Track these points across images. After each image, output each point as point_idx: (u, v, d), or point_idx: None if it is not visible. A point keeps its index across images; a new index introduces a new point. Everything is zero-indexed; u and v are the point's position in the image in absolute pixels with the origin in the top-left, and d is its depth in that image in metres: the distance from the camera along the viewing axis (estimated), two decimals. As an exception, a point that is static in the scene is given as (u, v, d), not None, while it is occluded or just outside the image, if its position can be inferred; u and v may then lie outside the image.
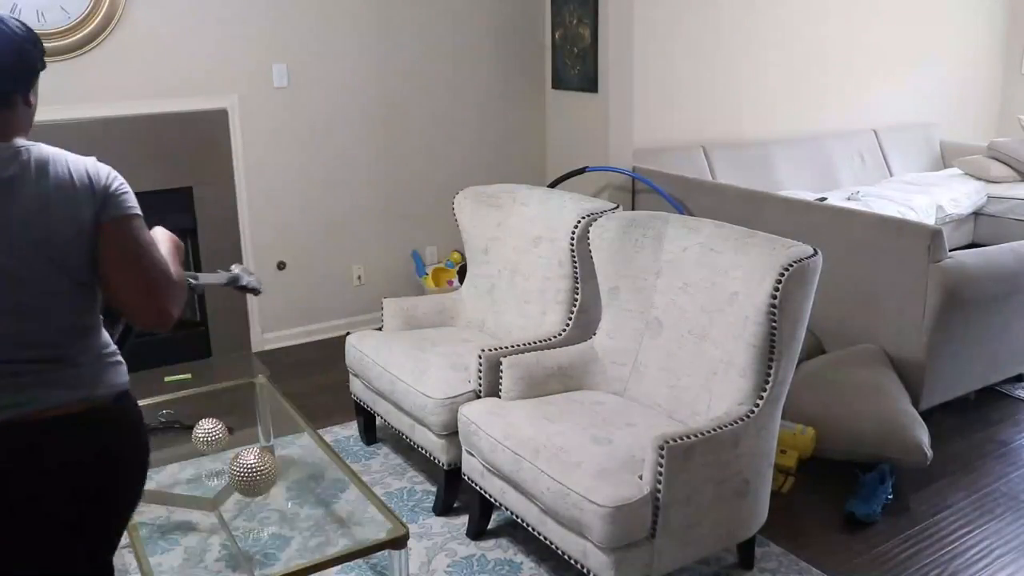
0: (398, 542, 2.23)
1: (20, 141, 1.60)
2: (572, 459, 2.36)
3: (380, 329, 3.49)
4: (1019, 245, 3.67)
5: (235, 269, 2.67)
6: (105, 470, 1.66)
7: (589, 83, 4.76)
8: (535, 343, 3.00)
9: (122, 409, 1.73)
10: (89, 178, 1.61)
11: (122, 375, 1.77)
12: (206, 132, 4.13)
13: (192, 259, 4.19)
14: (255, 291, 2.68)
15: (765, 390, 2.44)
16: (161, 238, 1.83)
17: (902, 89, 6.67)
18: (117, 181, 1.67)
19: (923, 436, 3.12)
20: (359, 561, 2.64)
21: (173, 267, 1.75)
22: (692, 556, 2.44)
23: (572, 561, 2.38)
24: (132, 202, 1.67)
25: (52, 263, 1.58)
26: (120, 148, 3.76)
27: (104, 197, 1.62)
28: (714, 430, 2.33)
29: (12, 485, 1.58)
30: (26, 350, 1.59)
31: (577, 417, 2.62)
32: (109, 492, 1.68)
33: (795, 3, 5.88)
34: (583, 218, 3.05)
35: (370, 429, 3.51)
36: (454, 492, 2.98)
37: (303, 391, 3.91)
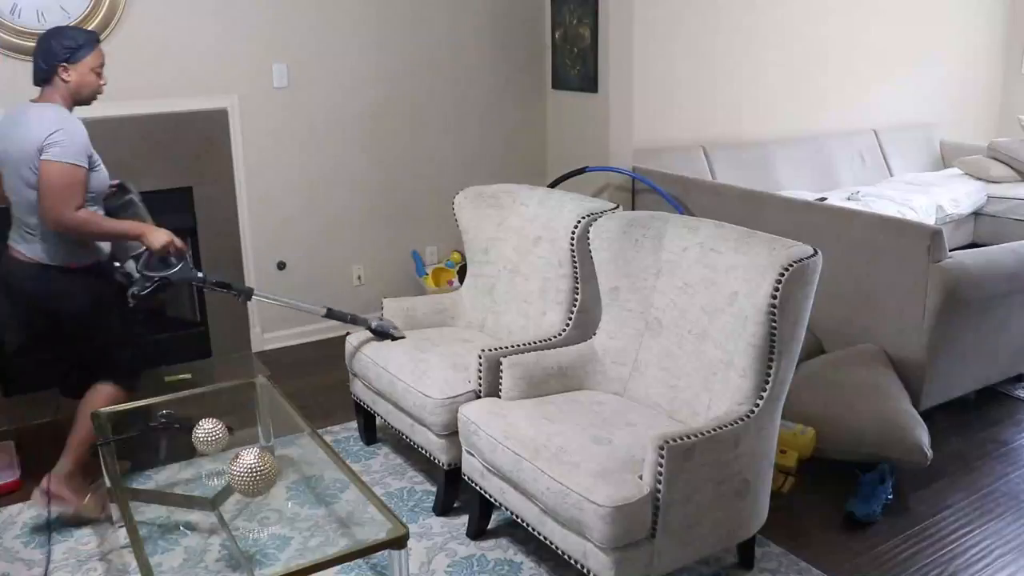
0: (398, 542, 2.23)
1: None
2: (572, 459, 2.36)
3: (380, 329, 3.48)
4: (1019, 245, 3.67)
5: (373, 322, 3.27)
6: (41, 298, 2.80)
7: (589, 83, 4.76)
8: (535, 343, 3.00)
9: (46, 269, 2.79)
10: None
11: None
12: (206, 132, 4.14)
13: (192, 258, 4.19)
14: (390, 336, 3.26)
15: (765, 390, 2.44)
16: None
17: (902, 89, 6.67)
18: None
19: (923, 436, 3.12)
20: (359, 561, 2.65)
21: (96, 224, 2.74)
22: (692, 556, 2.44)
23: (572, 561, 2.38)
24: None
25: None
26: (120, 148, 3.75)
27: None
28: (714, 430, 2.33)
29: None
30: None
31: (577, 417, 2.62)
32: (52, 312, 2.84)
33: (795, 3, 5.88)
34: (583, 218, 3.05)
35: (370, 429, 3.51)
36: (454, 492, 2.98)
37: (303, 391, 3.91)
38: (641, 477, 2.28)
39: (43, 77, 2.73)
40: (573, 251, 3.06)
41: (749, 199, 4.28)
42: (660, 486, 2.24)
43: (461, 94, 4.92)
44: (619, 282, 2.87)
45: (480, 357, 2.86)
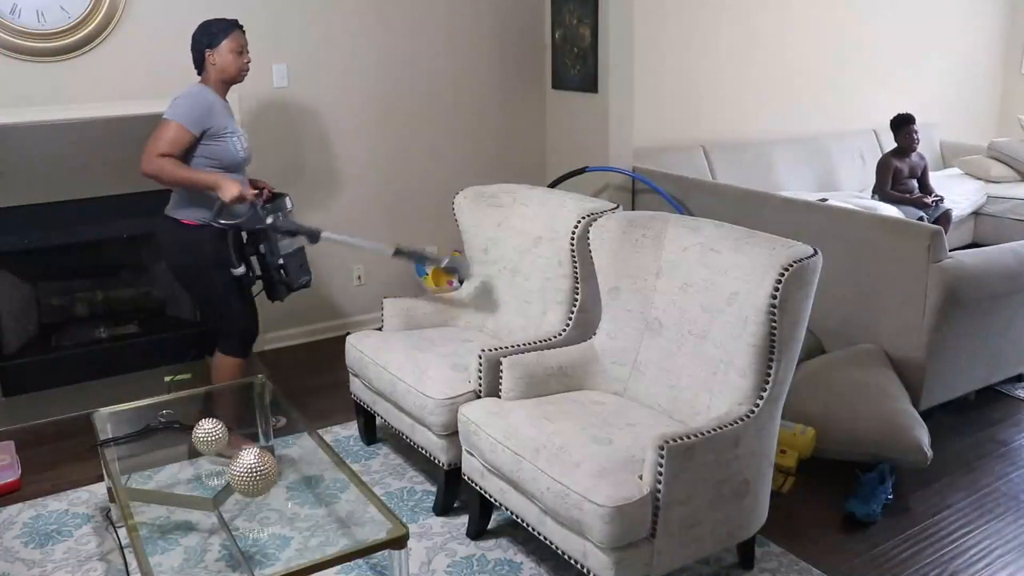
0: (398, 542, 2.23)
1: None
2: (572, 459, 2.36)
3: (380, 329, 3.48)
4: (1019, 245, 3.67)
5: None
6: (162, 247, 3.26)
7: (589, 83, 4.76)
8: (535, 343, 3.00)
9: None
10: None
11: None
12: (206, 132, 4.13)
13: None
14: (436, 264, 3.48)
15: (765, 390, 2.44)
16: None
17: (902, 89, 6.67)
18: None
19: (923, 436, 3.12)
20: (359, 561, 2.65)
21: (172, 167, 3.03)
22: (692, 556, 2.44)
23: (572, 561, 2.38)
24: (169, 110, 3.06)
25: None
26: (120, 148, 3.76)
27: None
28: (714, 430, 2.33)
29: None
30: None
31: (577, 417, 2.62)
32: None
33: (795, 3, 5.88)
34: (583, 218, 3.05)
35: (370, 429, 3.51)
36: (454, 492, 2.98)
37: (303, 391, 3.91)
38: (641, 477, 2.28)
39: (198, 64, 3.18)
40: (573, 251, 3.06)
41: (749, 199, 4.28)
42: (660, 486, 2.24)
43: (461, 94, 4.92)
44: (619, 282, 2.87)
45: (480, 357, 2.86)
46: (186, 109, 3.04)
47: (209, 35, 3.13)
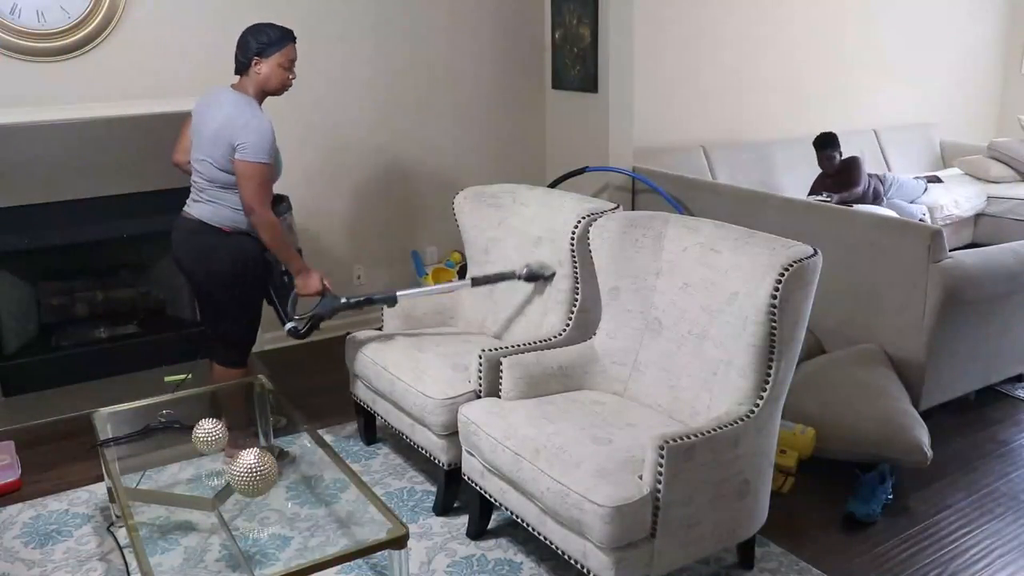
0: (398, 542, 2.23)
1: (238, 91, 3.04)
2: (572, 459, 2.36)
3: (380, 329, 3.48)
4: (1019, 245, 3.67)
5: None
6: (194, 252, 3.08)
7: (589, 83, 4.76)
8: (535, 343, 3.00)
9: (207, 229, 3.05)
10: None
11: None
12: (206, 132, 4.13)
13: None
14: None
15: (765, 390, 2.44)
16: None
17: (902, 89, 6.68)
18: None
19: (923, 436, 3.12)
20: (359, 561, 2.65)
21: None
22: (692, 556, 2.44)
23: (572, 561, 2.38)
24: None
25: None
26: (120, 148, 3.76)
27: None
28: (714, 430, 2.33)
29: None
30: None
31: (577, 417, 2.62)
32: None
33: (795, 3, 5.88)
34: (583, 218, 3.05)
35: (370, 429, 3.51)
36: (454, 492, 2.98)
37: (303, 391, 3.91)
38: (641, 477, 2.28)
39: (241, 67, 3.02)
40: (573, 251, 3.06)
41: (749, 199, 4.28)
42: (660, 486, 2.24)
43: (461, 94, 4.92)
44: (619, 282, 2.87)
45: (480, 357, 2.85)
46: (263, 145, 2.91)
47: (262, 43, 2.96)
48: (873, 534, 2.87)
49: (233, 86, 3.06)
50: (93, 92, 3.89)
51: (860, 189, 5.42)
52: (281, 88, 3.06)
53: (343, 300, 3.11)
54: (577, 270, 3.07)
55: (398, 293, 3.21)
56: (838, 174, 5.44)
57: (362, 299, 3.17)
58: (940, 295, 3.33)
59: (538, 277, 3.17)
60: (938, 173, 6.35)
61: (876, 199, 5.52)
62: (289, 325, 3.07)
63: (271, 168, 2.97)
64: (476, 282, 3.27)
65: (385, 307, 3.26)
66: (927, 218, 5.52)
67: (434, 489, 3.12)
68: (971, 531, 2.89)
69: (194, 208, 3.08)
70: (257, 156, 2.90)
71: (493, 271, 3.34)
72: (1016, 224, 5.81)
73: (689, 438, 2.26)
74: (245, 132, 2.89)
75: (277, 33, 3.00)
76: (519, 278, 3.19)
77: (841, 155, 5.46)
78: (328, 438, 3.42)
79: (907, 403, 3.27)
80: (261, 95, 3.04)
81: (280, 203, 3.20)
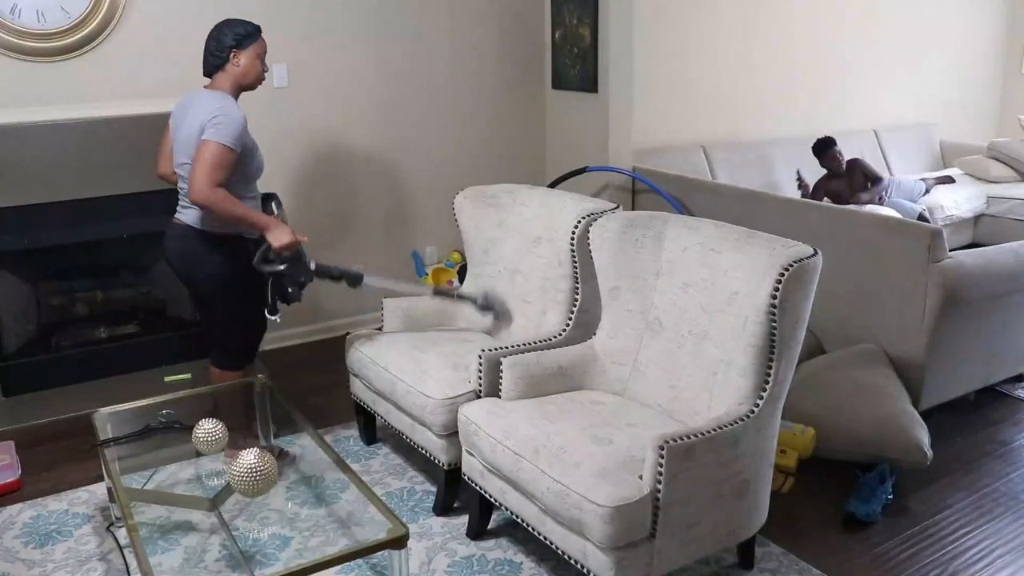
0: (398, 542, 2.23)
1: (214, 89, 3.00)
2: (572, 459, 2.36)
3: (380, 329, 3.49)
4: (1019, 245, 3.67)
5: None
6: (182, 257, 3.07)
7: (589, 83, 4.76)
8: (535, 343, 3.00)
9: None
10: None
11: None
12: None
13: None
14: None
15: (765, 390, 2.44)
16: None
17: (902, 89, 6.67)
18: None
19: (923, 436, 3.12)
20: (359, 561, 2.65)
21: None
22: (692, 556, 2.44)
23: (572, 561, 2.38)
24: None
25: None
26: (120, 148, 3.75)
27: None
28: (714, 430, 2.33)
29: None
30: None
31: (577, 417, 2.62)
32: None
33: (795, 3, 5.88)
34: (583, 218, 3.05)
35: (370, 429, 3.51)
36: (454, 492, 2.98)
37: (303, 391, 3.91)
38: (641, 477, 2.28)
39: (215, 64, 2.98)
40: (573, 251, 3.06)
41: (749, 199, 4.28)
42: (660, 486, 2.24)
43: (461, 94, 4.92)
44: (619, 282, 2.87)
45: (480, 357, 2.85)
46: (231, 129, 2.84)
47: (239, 34, 2.96)
48: (873, 534, 2.87)
49: (206, 87, 3.03)
50: (93, 92, 3.89)
51: (885, 178, 5.51)
52: (257, 81, 3.05)
53: (312, 267, 3.04)
54: (577, 270, 3.07)
55: (366, 278, 3.19)
56: (849, 175, 5.48)
57: (331, 268, 3.13)
58: (940, 295, 3.33)
59: (490, 309, 3.32)
60: (942, 173, 6.36)
61: (879, 199, 5.53)
62: (271, 318, 3.12)
63: (233, 155, 2.86)
64: (437, 292, 3.50)
65: (346, 284, 3.18)
66: (928, 214, 5.52)
67: (434, 489, 3.12)
68: (971, 531, 2.89)
69: (183, 214, 3.05)
70: (220, 136, 2.82)
71: (491, 271, 3.34)
72: (1016, 224, 5.81)
73: (689, 438, 2.26)
74: (215, 119, 2.85)
75: (250, 26, 3.01)
76: (475, 303, 3.33)
77: (842, 154, 5.49)
78: (328, 438, 3.42)
79: (907, 403, 3.27)
80: (237, 90, 3.01)
81: (269, 200, 3.19)
